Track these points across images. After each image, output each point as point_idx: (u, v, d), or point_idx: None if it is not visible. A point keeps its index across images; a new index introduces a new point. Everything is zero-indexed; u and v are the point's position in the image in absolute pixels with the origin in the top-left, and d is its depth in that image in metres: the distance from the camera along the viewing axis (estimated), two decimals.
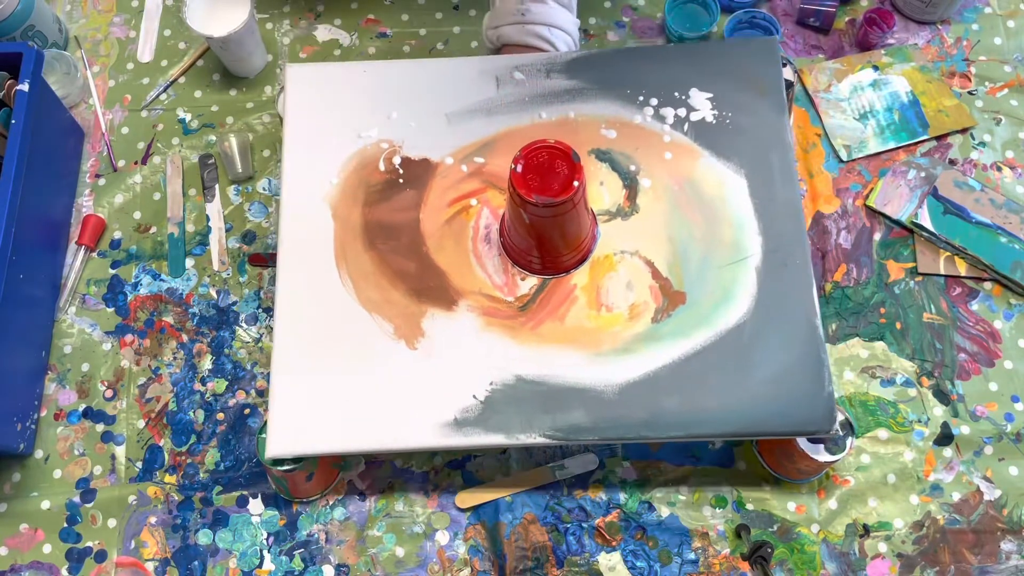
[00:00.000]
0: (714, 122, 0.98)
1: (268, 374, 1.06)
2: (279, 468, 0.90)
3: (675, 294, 0.92)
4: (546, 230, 0.87)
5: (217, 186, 1.16)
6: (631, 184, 0.97)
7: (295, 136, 0.99)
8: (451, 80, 1.02)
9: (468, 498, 0.99)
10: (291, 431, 0.88)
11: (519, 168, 0.83)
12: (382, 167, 0.99)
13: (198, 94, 1.22)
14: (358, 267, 0.94)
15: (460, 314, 0.92)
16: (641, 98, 1.00)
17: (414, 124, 1.00)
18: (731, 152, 0.97)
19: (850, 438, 0.92)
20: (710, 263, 0.93)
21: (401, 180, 0.98)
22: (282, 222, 0.96)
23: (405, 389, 0.89)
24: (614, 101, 1.00)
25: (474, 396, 0.89)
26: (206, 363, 1.07)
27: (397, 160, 0.99)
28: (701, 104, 0.99)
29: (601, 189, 0.97)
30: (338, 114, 1.01)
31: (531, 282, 0.93)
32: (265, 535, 0.99)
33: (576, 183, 0.82)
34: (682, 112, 0.99)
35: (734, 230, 0.94)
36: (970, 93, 1.18)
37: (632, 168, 0.98)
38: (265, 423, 0.93)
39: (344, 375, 0.90)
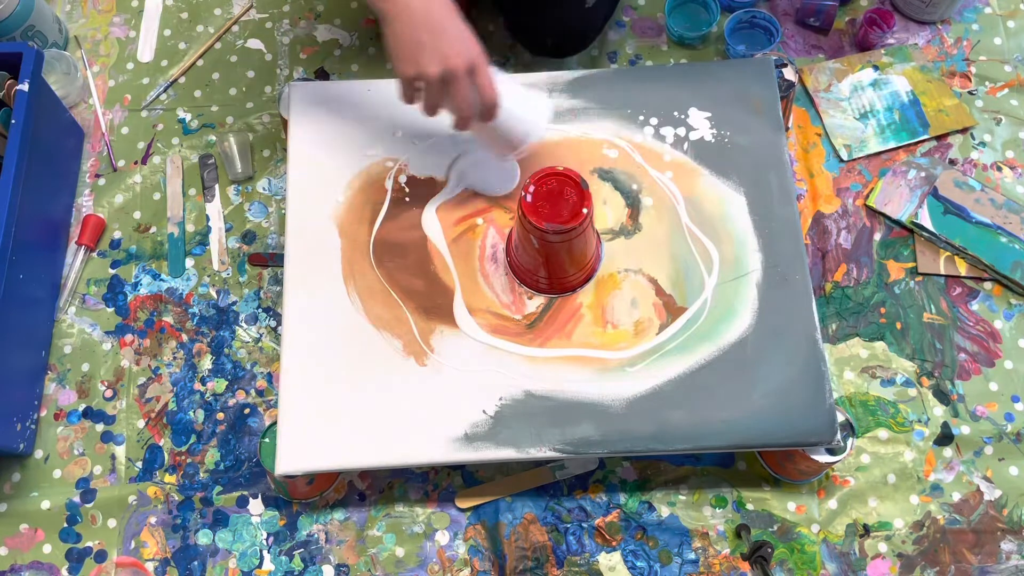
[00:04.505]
0: (713, 141, 1.00)
1: (268, 374, 1.06)
2: None
3: (678, 310, 0.93)
4: (554, 252, 0.88)
5: (217, 186, 1.16)
6: (633, 203, 0.98)
7: (299, 154, 1.00)
8: None
9: (468, 498, 0.99)
10: (301, 448, 0.88)
11: (529, 197, 0.84)
12: (388, 185, 0.99)
13: (198, 94, 1.22)
14: (366, 284, 0.95)
15: (468, 331, 0.93)
16: (642, 117, 1.01)
17: (418, 143, 1.01)
18: (730, 170, 0.98)
19: (850, 439, 0.92)
20: (712, 279, 0.94)
21: (407, 199, 0.99)
22: (288, 240, 0.96)
23: (415, 405, 0.90)
24: (616, 120, 1.01)
25: (484, 411, 0.89)
26: (206, 363, 1.07)
27: (403, 179, 0.99)
28: (700, 123, 1.00)
29: (604, 208, 0.97)
30: (343, 132, 1.01)
31: (538, 301, 0.94)
32: (265, 535, 0.99)
33: (585, 210, 0.83)
34: (682, 131, 1.00)
35: (735, 247, 0.95)
36: (970, 93, 1.18)
37: (634, 187, 0.98)
38: (268, 426, 0.93)
39: (353, 391, 0.90)
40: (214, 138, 1.18)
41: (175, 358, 1.07)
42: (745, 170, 0.98)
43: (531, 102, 0.92)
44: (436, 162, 1.00)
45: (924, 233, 1.10)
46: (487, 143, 0.94)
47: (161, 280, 1.11)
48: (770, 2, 1.25)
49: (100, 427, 1.04)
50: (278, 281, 1.10)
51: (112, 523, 1.00)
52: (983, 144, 1.15)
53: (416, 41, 0.81)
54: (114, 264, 1.12)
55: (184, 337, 1.08)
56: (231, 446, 1.03)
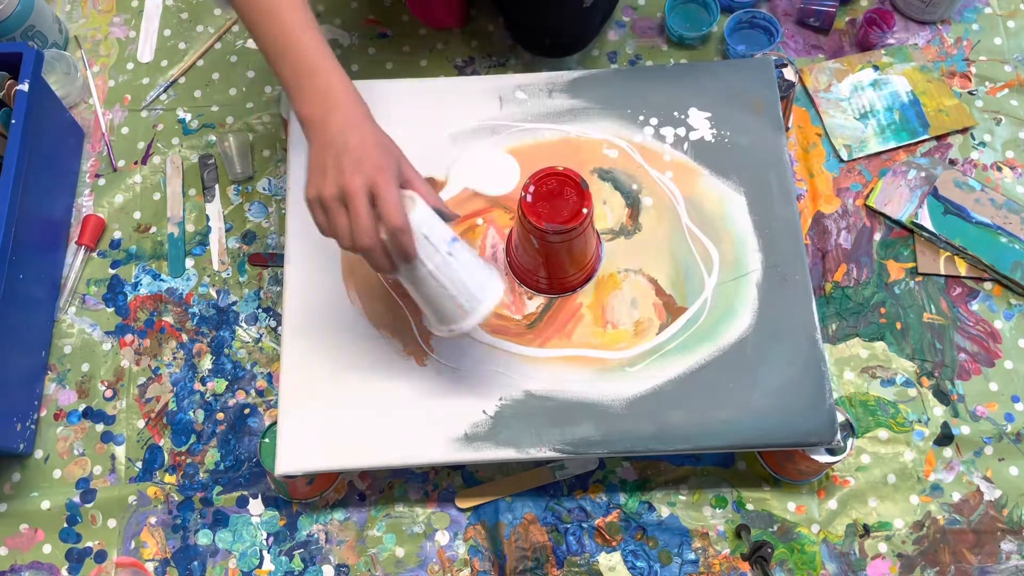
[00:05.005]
0: (713, 141, 1.00)
1: (268, 374, 1.06)
2: None
3: (678, 310, 0.93)
4: (554, 253, 0.88)
5: (217, 186, 1.16)
6: (633, 203, 0.98)
7: (299, 154, 0.99)
8: (454, 99, 1.02)
9: (468, 498, 0.99)
10: (301, 449, 0.88)
11: (529, 197, 0.84)
12: None
13: (198, 94, 1.22)
14: (366, 285, 0.95)
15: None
16: (641, 117, 1.01)
17: (418, 143, 1.00)
18: (730, 170, 0.98)
19: (850, 439, 0.92)
20: (712, 279, 0.94)
21: None
22: (288, 240, 0.96)
23: (414, 405, 0.90)
24: (615, 120, 1.01)
25: (484, 411, 0.89)
26: (206, 363, 1.07)
27: None
28: (700, 123, 1.00)
29: (604, 208, 0.97)
30: None
31: (538, 301, 0.94)
32: (265, 535, 0.99)
33: (585, 211, 0.83)
34: (681, 131, 1.00)
35: (735, 247, 0.95)
36: (970, 93, 1.18)
37: (634, 187, 0.98)
38: (268, 426, 0.93)
39: (353, 392, 0.90)
40: (214, 138, 1.18)
41: (175, 358, 1.07)
42: (745, 170, 0.98)
43: (481, 275, 0.79)
44: (436, 162, 1.00)
45: (924, 233, 1.10)
46: (422, 307, 0.81)
47: (161, 280, 1.11)
48: (770, 2, 1.25)
49: (100, 427, 1.04)
50: (278, 281, 1.10)
51: (112, 523, 1.00)
52: (983, 144, 1.15)
53: (321, 164, 0.73)
54: (114, 264, 1.12)
55: (184, 337, 1.08)
56: (231, 446, 1.03)
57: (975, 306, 1.07)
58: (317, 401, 0.90)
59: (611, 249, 0.96)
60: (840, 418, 0.91)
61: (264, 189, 1.15)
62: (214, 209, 1.14)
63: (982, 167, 1.14)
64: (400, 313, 0.93)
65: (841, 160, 1.15)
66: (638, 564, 0.97)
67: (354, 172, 0.72)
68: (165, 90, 1.22)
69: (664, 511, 0.99)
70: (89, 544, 1.00)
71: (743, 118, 1.00)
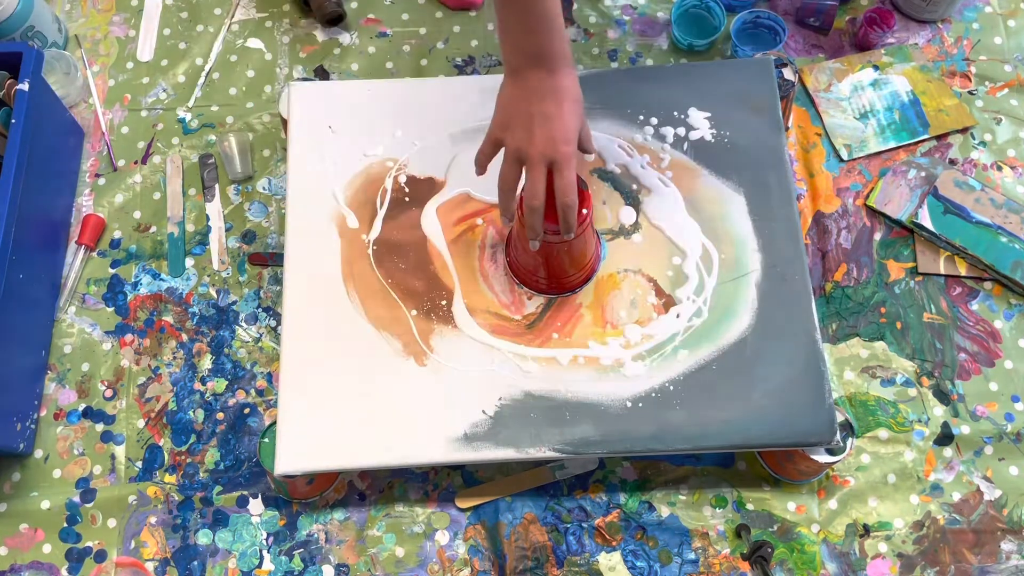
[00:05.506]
0: (713, 141, 1.00)
1: (268, 374, 1.06)
2: None
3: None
4: (554, 253, 0.88)
5: (217, 186, 1.16)
6: (633, 203, 0.98)
7: (300, 154, 1.00)
8: (454, 99, 1.02)
9: (468, 498, 0.99)
10: (300, 448, 0.88)
11: None
12: (388, 185, 0.99)
13: (198, 94, 1.21)
14: (366, 285, 0.95)
15: (468, 331, 0.93)
16: (641, 117, 1.01)
17: (418, 143, 1.01)
18: (730, 170, 0.98)
19: (850, 439, 0.92)
20: (712, 280, 0.94)
21: (407, 199, 0.99)
22: (288, 240, 0.96)
23: (414, 405, 0.90)
24: (615, 121, 1.01)
25: (483, 411, 0.89)
26: (206, 363, 1.07)
27: (403, 179, 1.00)
28: (700, 123, 1.01)
29: (604, 208, 0.97)
30: (343, 132, 1.01)
31: (538, 301, 0.94)
32: (265, 535, 0.99)
33: (585, 211, 0.83)
34: (681, 131, 1.00)
35: (734, 247, 0.95)
36: (970, 93, 1.18)
37: (634, 187, 0.98)
38: (268, 426, 0.93)
39: (353, 392, 0.91)
40: (214, 138, 1.18)
41: (175, 358, 1.07)
42: (745, 170, 0.98)
43: None
44: (436, 162, 1.00)
45: (924, 233, 1.10)
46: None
47: (161, 280, 1.11)
48: (770, 2, 1.25)
49: (100, 427, 1.04)
50: (278, 281, 1.10)
51: (112, 523, 1.00)
52: (983, 144, 1.15)
53: (525, 112, 0.80)
54: (114, 264, 1.12)
55: (184, 337, 1.08)
56: (231, 446, 1.03)
57: (975, 306, 1.07)
58: (317, 401, 0.90)
59: (611, 249, 0.96)
60: (840, 418, 0.91)
61: (264, 189, 1.15)
62: (214, 209, 1.14)
63: (982, 167, 1.14)
64: (400, 313, 0.94)
65: (841, 160, 1.15)
66: (638, 564, 0.97)
67: (543, 144, 0.78)
68: (165, 90, 1.21)
69: (664, 511, 0.99)
70: (89, 544, 1.00)
71: (743, 118, 1.00)
